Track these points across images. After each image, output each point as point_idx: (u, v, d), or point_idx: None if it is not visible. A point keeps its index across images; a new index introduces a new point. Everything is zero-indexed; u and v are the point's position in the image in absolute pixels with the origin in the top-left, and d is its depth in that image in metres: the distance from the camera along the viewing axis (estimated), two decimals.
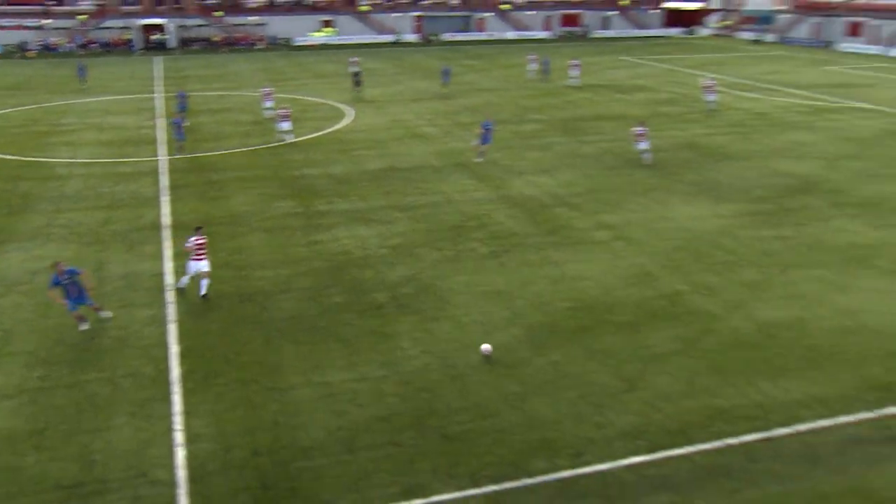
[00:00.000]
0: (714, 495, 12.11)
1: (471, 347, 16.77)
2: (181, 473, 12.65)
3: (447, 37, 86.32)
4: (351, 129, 38.19)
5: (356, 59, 54.22)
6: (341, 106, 45.82)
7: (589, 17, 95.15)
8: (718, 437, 13.57)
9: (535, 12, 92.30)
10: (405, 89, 52.85)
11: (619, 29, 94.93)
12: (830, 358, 16.36)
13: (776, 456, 13.06)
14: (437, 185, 29.56)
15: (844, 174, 31.13)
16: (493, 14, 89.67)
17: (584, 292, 19.65)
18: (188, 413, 14.43)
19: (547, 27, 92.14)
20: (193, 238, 18.74)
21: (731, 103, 47.67)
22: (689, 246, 22.90)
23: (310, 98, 48.11)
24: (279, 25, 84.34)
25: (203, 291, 18.88)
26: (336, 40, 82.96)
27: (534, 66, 58.95)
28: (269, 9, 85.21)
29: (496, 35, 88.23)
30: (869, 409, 14.45)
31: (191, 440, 13.60)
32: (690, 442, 13.42)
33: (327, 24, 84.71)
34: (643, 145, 32.50)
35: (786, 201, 27.42)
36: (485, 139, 33.05)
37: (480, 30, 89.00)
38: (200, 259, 18.68)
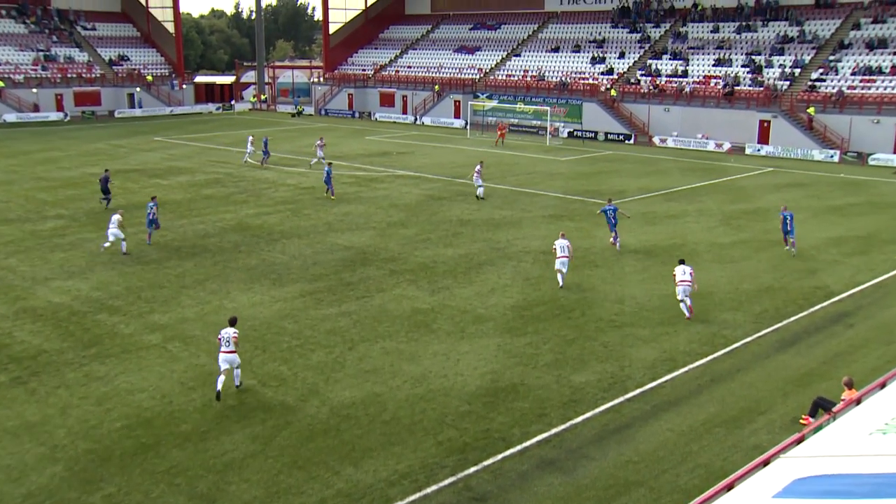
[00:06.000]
0: None
1: None
2: None
3: None
4: None
5: None
6: None
7: (109, 94, 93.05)
8: None
9: (40, 90, 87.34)
10: None
11: (149, 107, 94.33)
12: (410, 429, 17.70)
13: None
14: None
15: (397, 241, 34.30)
16: None
17: (139, 406, 18.80)
18: None
19: (60, 108, 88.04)
20: (232, 331, 19.54)
21: (278, 179, 49.92)
22: (253, 335, 23.24)
23: None
24: None
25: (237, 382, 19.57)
26: None
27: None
28: None
29: None
30: (452, 473, 15.89)
31: None
32: None
33: None
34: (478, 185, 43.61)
35: (345, 275, 29.31)
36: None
37: None
38: (231, 351, 19.33)
